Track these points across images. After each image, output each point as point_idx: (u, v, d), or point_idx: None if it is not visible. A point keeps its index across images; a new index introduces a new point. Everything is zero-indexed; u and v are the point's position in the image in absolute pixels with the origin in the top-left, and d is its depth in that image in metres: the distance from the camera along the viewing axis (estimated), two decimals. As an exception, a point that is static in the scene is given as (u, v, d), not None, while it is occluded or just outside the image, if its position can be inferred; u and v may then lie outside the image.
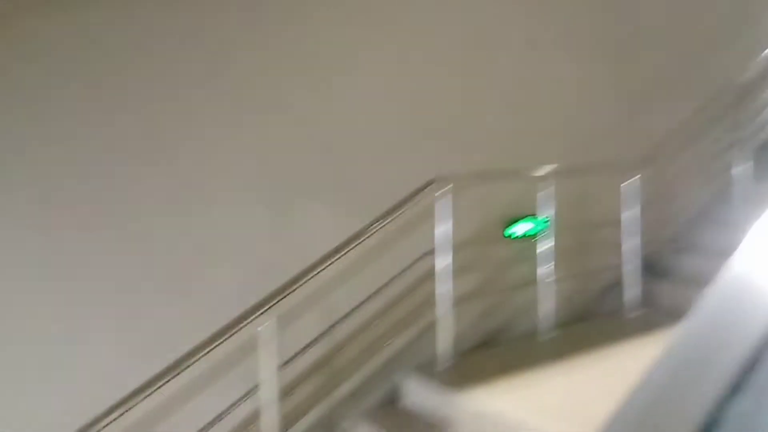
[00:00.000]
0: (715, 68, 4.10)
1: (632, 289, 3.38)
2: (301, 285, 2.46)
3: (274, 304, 2.32)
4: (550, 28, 3.32)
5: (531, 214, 3.16)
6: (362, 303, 2.73)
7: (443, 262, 2.75)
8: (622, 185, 3.35)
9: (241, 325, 2.28)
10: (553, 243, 3.12)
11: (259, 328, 2.29)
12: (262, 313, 2.29)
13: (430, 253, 2.77)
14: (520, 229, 3.17)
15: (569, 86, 3.39)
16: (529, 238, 3.17)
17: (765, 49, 4.25)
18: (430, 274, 2.80)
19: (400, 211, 2.71)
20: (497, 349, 3.03)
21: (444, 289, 2.75)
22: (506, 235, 3.18)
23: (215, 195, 2.49)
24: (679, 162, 3.86)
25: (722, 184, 3.94)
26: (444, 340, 2.75)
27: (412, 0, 2.90)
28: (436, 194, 2.75)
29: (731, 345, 0.37)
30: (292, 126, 2.64)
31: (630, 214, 3.36)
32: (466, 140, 3.03)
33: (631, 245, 3.37)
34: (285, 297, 2.39)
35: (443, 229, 2.75)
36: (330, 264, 2.52)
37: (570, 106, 3.40)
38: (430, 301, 2.81)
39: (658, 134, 3.79)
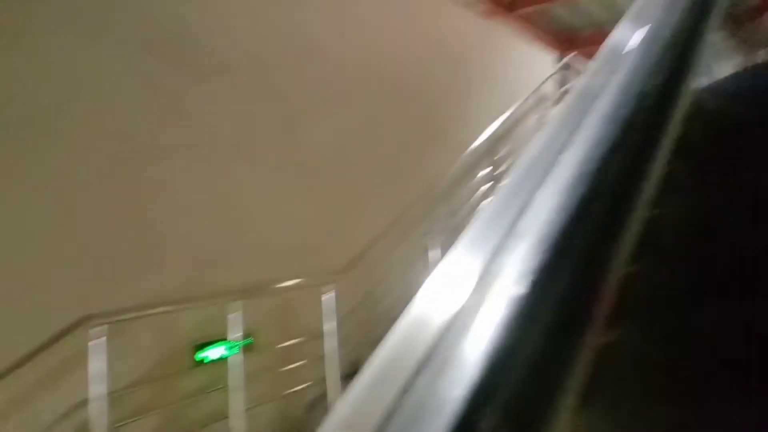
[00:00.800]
0: (416, 175, 4.60)
1: (336, 401, 3.37)
2: None
3: None
4: (240, 142, 3.35)
5: (224, 338, 2.97)
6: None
7: (102, 412, 2.35)
8: (322, 296, 3.40)
9: None
10: (243, 366, 2.95)
11: None
12: None
13: (83, 404, 2.35)
14: (211, 353, 2.95)
15: (262, 201, 3.41)
16: (223, 362, 2.96)
17: (460, 155, 4.95)
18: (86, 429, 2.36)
19: (38, 357, 2.27)
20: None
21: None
22: (197, 360, 2.92)
23: None
24: (383, 264, 4.15)
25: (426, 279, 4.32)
26: None
27: (81, 115, 2.62)
28: (90, 332, 2.38)
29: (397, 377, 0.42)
30: None
31: (330, 325, 3.41)
32: (133, 267, 2.76)
33: (333, 355, 3.39)
34: None
35: (100, 373, 2.37)
36: None
37: (264, 222, 3.41)
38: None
39: (361, 241, 4.03)
